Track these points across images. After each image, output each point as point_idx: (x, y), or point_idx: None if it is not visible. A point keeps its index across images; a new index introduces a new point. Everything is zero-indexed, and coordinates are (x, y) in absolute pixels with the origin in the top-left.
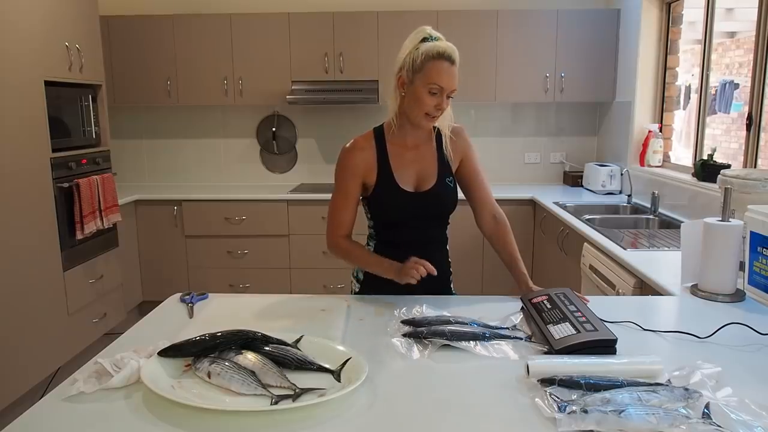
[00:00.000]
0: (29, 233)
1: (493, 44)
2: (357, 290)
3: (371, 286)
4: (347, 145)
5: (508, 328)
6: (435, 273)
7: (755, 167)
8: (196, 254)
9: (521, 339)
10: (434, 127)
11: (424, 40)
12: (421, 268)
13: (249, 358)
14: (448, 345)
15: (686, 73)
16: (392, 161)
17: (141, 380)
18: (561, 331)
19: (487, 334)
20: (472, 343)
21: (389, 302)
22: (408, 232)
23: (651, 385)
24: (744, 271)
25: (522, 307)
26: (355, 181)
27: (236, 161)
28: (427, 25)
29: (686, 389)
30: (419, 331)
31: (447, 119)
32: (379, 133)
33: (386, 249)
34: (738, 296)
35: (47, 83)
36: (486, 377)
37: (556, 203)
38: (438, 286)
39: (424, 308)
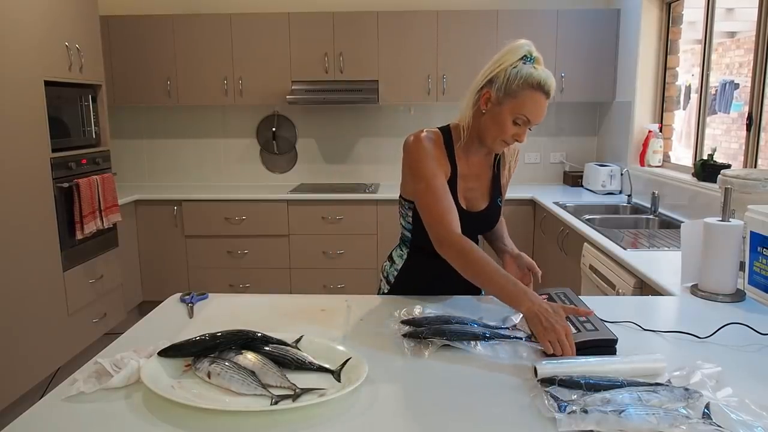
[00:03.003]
0: (29, 233)
1: (493, 44)
2: (386, 291)
3: (402, 289)
4: (417, 137)
5: (508, 328)
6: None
7: (755, 167)
8: (196, 254)
9: (521, 339)
10: None
11: (524, 59)
12: (565, 344)
13: (249, 358)
14: (448, 345)
15: (686, 73)
16: (458, 172)
17: (141, 380)
18: None
19: (487, 334)
20: (472, 343)
21: (389, 302)
22: None
23: (651, 385)
24: (744, 271)
25: None
26: (441, 168)
27: (236, 161)
28: (523, 41)
29: (686, 389)
30: (419, 331)
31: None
32: (447, 137)
33: (419, 256)
34: (738, 296)
35: (47, 83)
36: (486, 377)
37: (556, 203)
38: (469, 287)
39: (424, 308)
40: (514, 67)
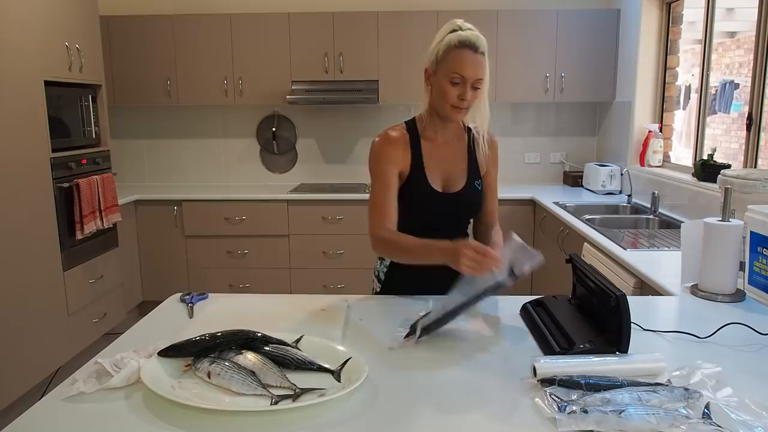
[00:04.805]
0: (29, 233)
1: (493, 44)
2: (378, 290)
3: (394, 286)
4: (378, 138)
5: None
6: (497, 266)
7: (755, 167)
8: (196, 254)
9: (501, 281)
10: (467, 128)
11: (453, 32)
12: (485, 260)
13: (249, 358)
14: (449, 345)
15: (686, 73)
16: (425, 157)
17: (141, 380)
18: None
19: (472, 296)
20: (462, 315)
21: (389, 302)
22: (431, 232)
23: (651, 385)
24: (744, 271)
25: (522, 307)
26: (393, 171)
27: (236, 161)
28: (456, 20)
29: (686, 389)
30: (417, 331)
31: (484, 118)
32: (411, 127)
33: None
34: (738, 296)
35: (47, 83)
36: (486, 377)
37: (556, 203)
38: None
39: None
40: (442, 40)
